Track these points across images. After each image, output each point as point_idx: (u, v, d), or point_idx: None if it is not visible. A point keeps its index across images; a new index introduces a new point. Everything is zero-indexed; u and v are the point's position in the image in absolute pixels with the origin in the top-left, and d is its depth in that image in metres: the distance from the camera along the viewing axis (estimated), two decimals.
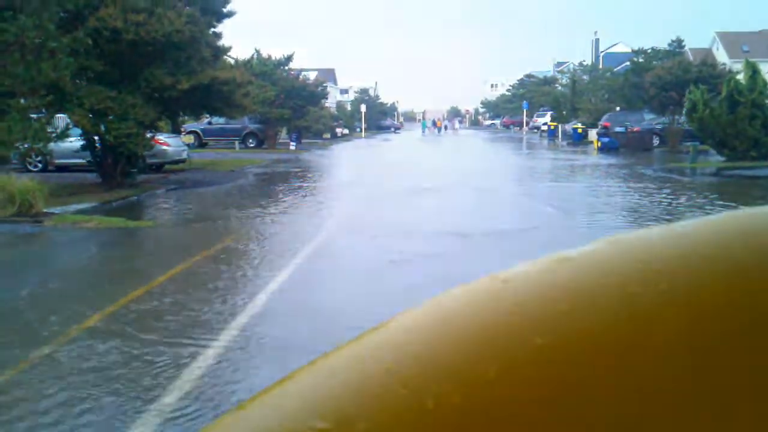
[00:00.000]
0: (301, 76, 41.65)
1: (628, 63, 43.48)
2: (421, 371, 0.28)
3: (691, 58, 41.63)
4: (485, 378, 0.26)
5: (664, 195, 15.86)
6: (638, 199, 15.18)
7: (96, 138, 17.28)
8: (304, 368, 0.32)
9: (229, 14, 20.61)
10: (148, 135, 17.81)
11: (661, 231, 0.32)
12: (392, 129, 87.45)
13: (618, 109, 40.38)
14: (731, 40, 67.05)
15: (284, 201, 15.89)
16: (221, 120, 35.73)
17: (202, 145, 37.17)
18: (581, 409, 0.25)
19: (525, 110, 72.86)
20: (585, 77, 54.50)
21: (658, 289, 0.27)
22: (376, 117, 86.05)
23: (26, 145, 13.73)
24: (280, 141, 40.50)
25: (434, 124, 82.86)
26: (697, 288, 0.27)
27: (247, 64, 34.33)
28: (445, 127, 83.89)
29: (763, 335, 0.25)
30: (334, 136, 53.53)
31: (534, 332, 0.27)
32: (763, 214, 0.31)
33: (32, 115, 13.67)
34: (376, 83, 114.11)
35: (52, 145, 14.73)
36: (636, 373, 0.25)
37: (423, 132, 76.02)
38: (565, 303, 0.28)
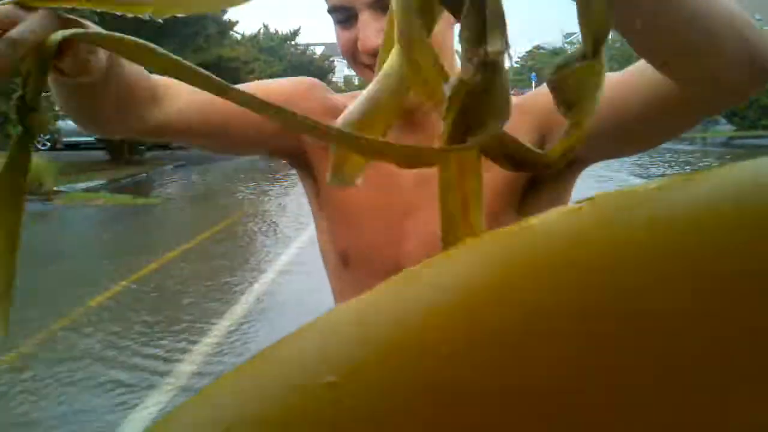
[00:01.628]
0: (307, 51, 41.43)
1: None
2: (432, 321, 0.28)
3: None
4: (501, 326, 0.26)
5: (676, 167, 15.76)
6: (648, 171, 15.10)
7: None
8: (311, 323, 0.32)
9: None
10: None
11: (662, 183, 0.31)
12: None
13: None
14: (743, 8, 66.10)
15: (293, 176, 15.89)
16: None
17: None
18: (589, 360, 0.25)
19: (533, 82, 72.32)
20: None
21: (664, 240, 0.27)
22: None
23: None
24: None
25: None
26: (706, 237, 0.26)
27: (253, 39, 34.16)
28: None
29: None
30: None
31: (542, 285, 0.27)
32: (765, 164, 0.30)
33: None
34: None
35: (60, 123, 14.75)
36: (644, 332, 0.25)
37: None
38: (565, 255, 0.28)
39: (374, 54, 0.89)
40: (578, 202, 0.30)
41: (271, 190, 13.53)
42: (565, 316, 0.26)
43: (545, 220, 0.31)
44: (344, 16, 0.94)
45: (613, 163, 16.07)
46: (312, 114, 1.01)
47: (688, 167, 15.63)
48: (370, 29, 0.92)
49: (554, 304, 0.26)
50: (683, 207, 0.29)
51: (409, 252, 0.96)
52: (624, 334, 0.25)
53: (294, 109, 0.99)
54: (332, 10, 0.96)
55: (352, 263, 1.02)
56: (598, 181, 13.00)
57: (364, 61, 0.95)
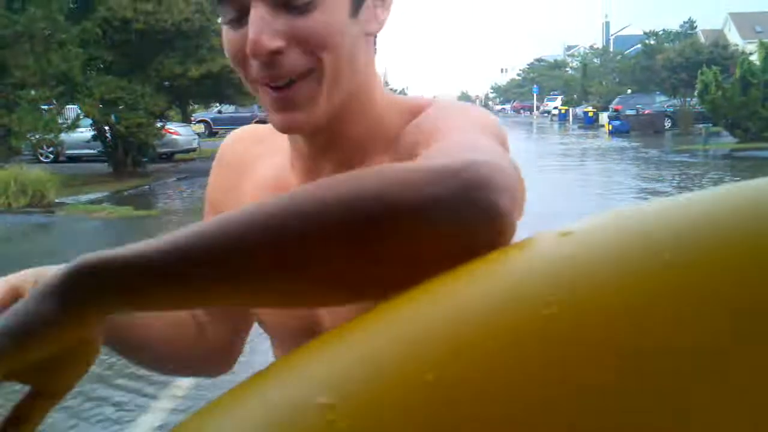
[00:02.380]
0: None
1: (639, 45, 43.13)
2: (423, 346, 0.28)
3: (702, 39, 41.26)
4: (488, 350, 0.26)
5: (679, 178, 15.78)
6: (653, 183, 15.10)
7: (106, 128, 17.33)
8: (308, 345, 0.32)
9: None
10: (159, 124, 17.86)
11: (662, 204, 0.32)
12: None
13: (629, 91, 40.13)
14: (744, 21, 66.30)
15: None
16: (231, 109, 35.74)
17: (212, 134, 37.20)
18: (585, 376, 0.25)
19: (535, 94, 72.50)
20: (596, 60, 54.14)
21: (661, 259, 0.27)
22: None
23: (37, 136, 13.79)
24: None
25: None
26: (703, 259, 0.27)
27: None
28: None
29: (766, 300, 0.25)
30: None
31: (539, 305, 0.27)
32: (764, 185, 0.31)
33: (43, 106, 13.72)
34: (385, 69, 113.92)
35: (63, 136, 14.79)
36: (641, 341, 0.25)
37: None
38: (568, 276, 0.28)
39: (266, 62, 0.71)
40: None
41: None
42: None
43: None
44: (235, 12, 0.72)
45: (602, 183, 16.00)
46: (237, 173, 0.95)
47: (696, 179, 15.63)
48: (264, 26, 0.69)
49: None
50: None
51: (321, 315, 0.84)
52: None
53: (233, 178, 0.96)
54: (219, 3, 0.73)
55: (269, 329, 0.95)
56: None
57: (253, 73, 0.73)
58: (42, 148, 20.47)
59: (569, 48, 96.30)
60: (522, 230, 0.44)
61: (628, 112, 34.58)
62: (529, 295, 0.28)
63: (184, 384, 4.50)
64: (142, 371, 4.76)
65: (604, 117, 38.11)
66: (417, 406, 0.26)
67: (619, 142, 28.11)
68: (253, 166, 0.94)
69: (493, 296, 0.28)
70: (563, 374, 0.25)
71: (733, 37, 58.25)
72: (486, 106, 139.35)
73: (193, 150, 23.36)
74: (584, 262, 0.28)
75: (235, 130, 1.03)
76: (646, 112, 34.47)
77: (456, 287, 0.30)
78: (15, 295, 0.64)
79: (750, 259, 0.26)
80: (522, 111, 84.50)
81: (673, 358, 0.24)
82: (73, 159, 20.93)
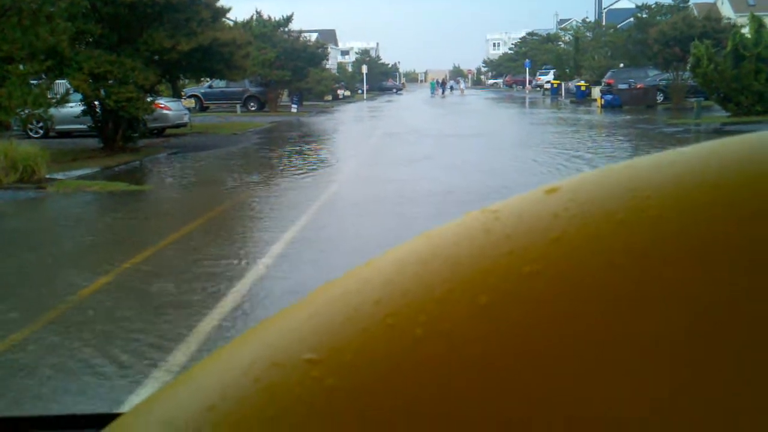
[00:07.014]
0: (301, 38, 41.23)
1: (631, 19, 42.93)
2: (410, 301, 0.28)
3: (695, 12, 41.05)
4: (475, 305, 0.27)
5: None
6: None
7: (96, 103, 17.19)
8: (294, 305, 0.32)
9: None
10: (149, 99, 17.72)
11: (650, 159, 0.32)
12: (394, 90, 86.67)
13: (621, 65, 40.02)
14: None
15: (288, 165, 15.87)
16: (222, 83, 35.49)
17: (203, 109, 36.98)
18: (569, 334, 0.25)
19: (527, 69, 72.20)
20: (588, 34, 53.89)
21: (647, 215, 0.27)
22: (378, 78, 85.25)
23: (27, 111, 13.67)
24: (281, 104, 40.29)
25: (439, 84, 79.43)
26: (688, 213, 0.27)
27: (246, 25, 34.00)
28: (451, 88, 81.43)
29: (756, 258, 0.25)
30: (336, 98, 53.17)
31: (523, 261, 0.27)
32: (757, 139, 0.31)
33: (32, 81, 13.58)
34: (377, 44, 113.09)
35: (52, 111, 14.67)
36: (626, 299, 0.25)
37: (432, 93, 72.69)
38: (553, 232, 0.28)
39: None
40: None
41: (262, 178, 13.51)
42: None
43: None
44: None
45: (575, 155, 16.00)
46: None
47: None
48: None
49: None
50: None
51: None
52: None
53: None
54: None
55: None
56: None
57: None
58: (31, 124, 20.30)
59: (561, 22, 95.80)
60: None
61: (621, 86, 34.53)
62: (511, 252, 0.28)
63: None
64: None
65: (596, 91, 38.04)
66: (407, 360, 0.26)
67: (611, 116, 28.10)
68: None
69: (477, 254, 0.29)
70: (543, 330, 0.25)
71: (726, 11, 57.99)
72: (478, 80, 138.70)
73: (184, 125, 23.23)
74: (568, 217, 0.28)
75: None
76: (639, 86, 34.42)
77: (441, 246, 0.31)
78: None
79: (737, 214, 0.26)
80: (514, 85, 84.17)
81: (659, 315, 0.24)
82: (63, 134, 20.79)
